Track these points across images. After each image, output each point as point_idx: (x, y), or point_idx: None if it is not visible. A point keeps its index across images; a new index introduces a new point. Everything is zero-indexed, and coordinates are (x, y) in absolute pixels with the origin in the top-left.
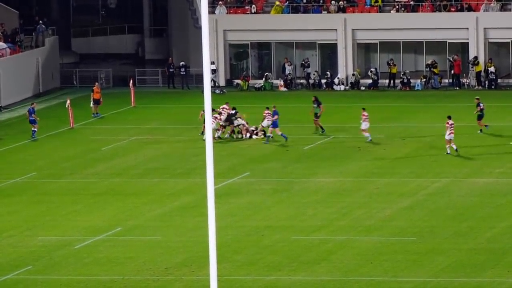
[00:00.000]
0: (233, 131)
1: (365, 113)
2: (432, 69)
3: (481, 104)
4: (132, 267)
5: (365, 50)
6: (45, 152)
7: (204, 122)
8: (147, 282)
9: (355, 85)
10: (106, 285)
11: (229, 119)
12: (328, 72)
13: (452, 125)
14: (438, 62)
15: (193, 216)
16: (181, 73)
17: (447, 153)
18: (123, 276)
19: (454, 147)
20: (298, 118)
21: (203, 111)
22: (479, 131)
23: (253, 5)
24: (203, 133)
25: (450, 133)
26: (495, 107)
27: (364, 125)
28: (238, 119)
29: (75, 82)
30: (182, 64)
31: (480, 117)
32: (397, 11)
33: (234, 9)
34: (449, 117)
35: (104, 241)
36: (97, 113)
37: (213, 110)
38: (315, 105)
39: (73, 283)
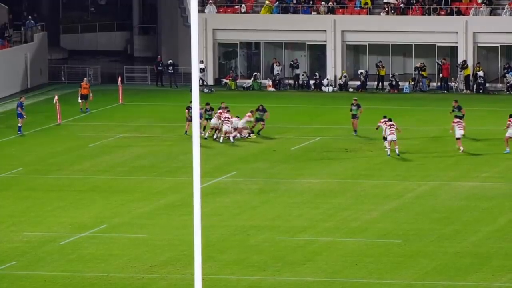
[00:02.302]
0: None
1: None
2: (420, 72)
3: (458, 107)
4: (117, 264)
5: (354, 51)
6: (31, 148)
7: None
8: (132, 279)
9: (343, 86)
10: (90, 281)
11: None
12: (316, 73)
13: (392, 126)
14: (426, 65)
15: (179, 214)
16: (169, 71)
17: (388, 155)
18: (107, 273)
19: (397, 151)
20: (286, 118)
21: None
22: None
23: (243, 5)
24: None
25: (390, 134)
26: (483, 111)
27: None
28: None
29: (63, 78)
30: (170, 62)
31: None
32: (387, 13)
33: (224, 8)
34: (389, 119)
35: (89, 238)
36: (86, 109)
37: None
38: (355, 107)
39: (57, 279)
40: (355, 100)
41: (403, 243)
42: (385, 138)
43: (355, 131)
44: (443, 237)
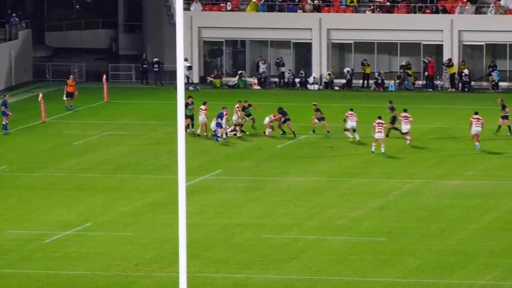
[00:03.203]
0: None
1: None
2: (406, 70)
3: (394, 107)
4: (102, 262)
5: (339, 50)
6: (16, 145)
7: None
8: (117, 278)
9: (329, 84)
10: (75, 280)
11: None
12: (302, 71)
13: (381, 124)
14: (412, 63)
15: (164, 212)
16: (155, 69)
17: (372, 152)
18: (92, 271)
19: (382, 149)
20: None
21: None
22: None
23: (229, 3)
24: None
25: (378, 132)
26: (468, 110)
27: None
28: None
29: (48, 76)
30: (156, 61)
31: (393, 121)
32: (373, 11)
33: (209, 6)
34: (379, 116)
35: (74, 236)
36: (71, 107)
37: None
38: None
39: (41, 278)
40: (315, 105)
41: (388, 241)
42: (346, 129)
43: (328, 132)
44: (428, 235)
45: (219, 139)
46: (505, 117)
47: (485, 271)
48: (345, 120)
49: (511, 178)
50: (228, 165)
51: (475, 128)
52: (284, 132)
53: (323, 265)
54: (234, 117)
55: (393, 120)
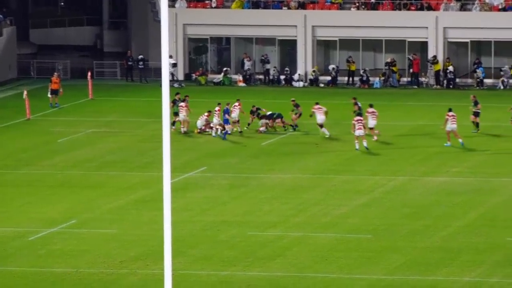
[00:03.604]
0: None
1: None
2: (391, 67)
3: (358, 103)
4: (87, 259)
5: (324, 47)
6: (0, 143)
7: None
8: (101, 275)
9: (314, 81)
10: (60, 277)
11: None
12: (287, 68)
13: (360, 121)
14: (397, 60)
15: (149, 210)
16: (140, 66)
17: (356, 149)
18: (77, 268)
19: (365, 143)
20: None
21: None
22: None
23: (214, 0)
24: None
25: (358, 129)
26: (453, 107)
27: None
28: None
29: (32, 73)
30: (141, 58)
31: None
32: (358, 8)
33: (194, 3)
34: (358, 113)
35: (58, 233)
36: (56, 104)
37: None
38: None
39: (26, 275)
40: (293, 101)
41: (373, 238)
42: (321, 126)
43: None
44: (413, 232)
45: (226, 135)
46: (476, 114)
47: (470, 268)
48: (311, 116)
49: (496, 175)
50: (213, 162)
51: (451, 125)
52: (295, 126)
53: (308, 262)
54: (215, 120)
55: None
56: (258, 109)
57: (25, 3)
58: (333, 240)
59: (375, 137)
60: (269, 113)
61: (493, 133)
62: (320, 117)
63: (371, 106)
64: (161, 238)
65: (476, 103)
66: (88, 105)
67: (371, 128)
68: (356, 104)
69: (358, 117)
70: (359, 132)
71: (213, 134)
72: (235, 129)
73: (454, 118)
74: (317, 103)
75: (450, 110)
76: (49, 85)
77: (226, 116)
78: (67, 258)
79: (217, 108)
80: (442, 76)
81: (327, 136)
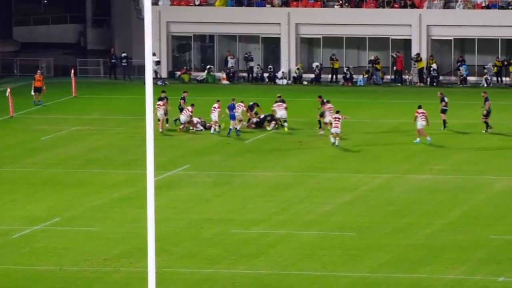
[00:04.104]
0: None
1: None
2: (374, 65)
3: (325, 100)
4: (70, 257)
5: (308, 44)
6: None
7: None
8: (85, 273)
9: (297, 79)
10: (43, 275)
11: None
12: (270, 66)
13: (337, 119)
14: (380, 58)
15: (132, 207)
16: (123, 64)
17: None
18: (60, 266)
19: (334, 140)
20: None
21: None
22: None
23: None
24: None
25: (335, 127)
26: (436, 104)
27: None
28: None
29: (15, 71)
30: (124, 55)
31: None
32: (341, 6)
33: (177, 1)
34: (337, 111)
35: (42, 231)
36: (39, 102)
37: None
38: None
39: (10, 273)
40: (279, 96)
41: (357, 235)
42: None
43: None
44: (397, 229)
45: (238, 132)
46: (443, 111)
47: (454, 266)
48: (274, 111)
49: (480, 173)
50: (196, 160)
51: (421, 122)
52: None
53: (292, 260)
54: (213, 117)
55: (323, 113)
56: (255, 105)
57: (9, 1)
58: (317, 238)
59: (322, 132)
60: (262, 116)
61: (476, 131)
62: (280, 113)
63: (328, 102)
64: (145, 236)
65: (442, 100)
66: (72, 103)
67: (325, 123)
68: (322, 102)
69: (336, 115)
70: (335, 129)
71: (212, 131)
72: (238, 126)
73: (423, 115)
74: (279, 96)
75: (420, 107)
76: (33, 82)
77: (234, 111)
78: (50, 256)
79: (216, 105)
80: (426, 73)
81: (286, 130)
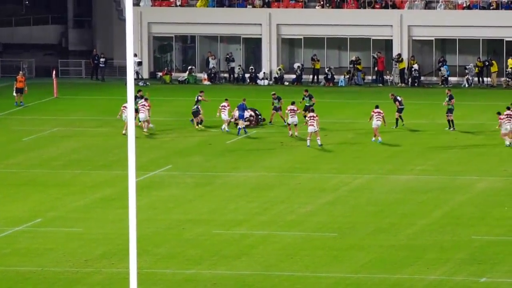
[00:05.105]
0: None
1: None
2: (355, 65)
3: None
4: (52, 258)
5: (289, 45)
6: None
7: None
8: (67, 274)
9: (278, 80)
10: (24, 276)
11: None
12: (252, 67)
13: (312, 117)
14: (362, 58)
15: (114, 208)
16: (101, 65)
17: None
18: (42, 267)
19: (309, 143)
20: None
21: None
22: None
23: None
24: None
25: (310, 125)
26: (418, 105)
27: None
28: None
29: None
30: (102, 55)
31: (306, 108)
32: (322, 7)
33: (159, 2)
34: (312, 109)
35: (24, 232)
36: (21, 102)
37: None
38: (276, 100)
39: None
40: (274, 94)
41: (339, 236)
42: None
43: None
44: (379, 230)
45: (246, 130)
46: (399, 110)
47: (435, 266)
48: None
49: (461, 173)
50: (178, 161)
51: (376, 122)
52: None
53: (273, 261)
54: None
55: (307, 107)
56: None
57: None
58: (299, 239)
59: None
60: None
61: (458, 130)
62: (224, 116)
63: (292, 103)
64: (126, 237)
65: (395, 100)
66: (53, 104)
67: (289, 124)
68: (309, 96)
69: (312, 114)
70: (311, 128)
71: (222, 129)
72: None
73: (379, 115)
74: (226, 100)
75: (377, 107)
76: (14, 83)
77: (244, 112)
78: (32, 257)
79: (225, 104)
80: (407, 74)
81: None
